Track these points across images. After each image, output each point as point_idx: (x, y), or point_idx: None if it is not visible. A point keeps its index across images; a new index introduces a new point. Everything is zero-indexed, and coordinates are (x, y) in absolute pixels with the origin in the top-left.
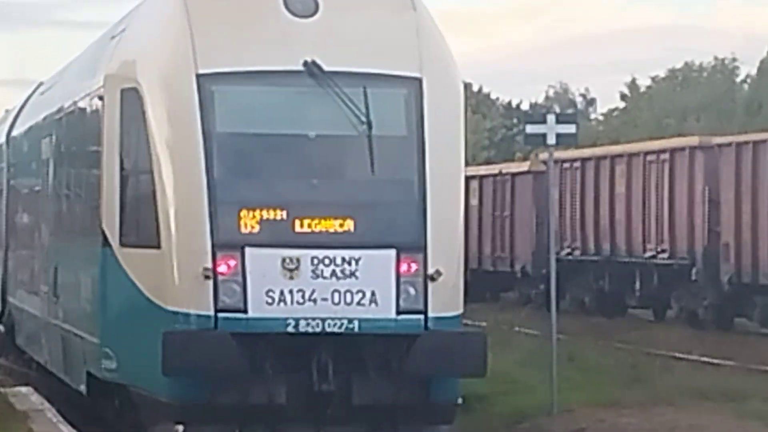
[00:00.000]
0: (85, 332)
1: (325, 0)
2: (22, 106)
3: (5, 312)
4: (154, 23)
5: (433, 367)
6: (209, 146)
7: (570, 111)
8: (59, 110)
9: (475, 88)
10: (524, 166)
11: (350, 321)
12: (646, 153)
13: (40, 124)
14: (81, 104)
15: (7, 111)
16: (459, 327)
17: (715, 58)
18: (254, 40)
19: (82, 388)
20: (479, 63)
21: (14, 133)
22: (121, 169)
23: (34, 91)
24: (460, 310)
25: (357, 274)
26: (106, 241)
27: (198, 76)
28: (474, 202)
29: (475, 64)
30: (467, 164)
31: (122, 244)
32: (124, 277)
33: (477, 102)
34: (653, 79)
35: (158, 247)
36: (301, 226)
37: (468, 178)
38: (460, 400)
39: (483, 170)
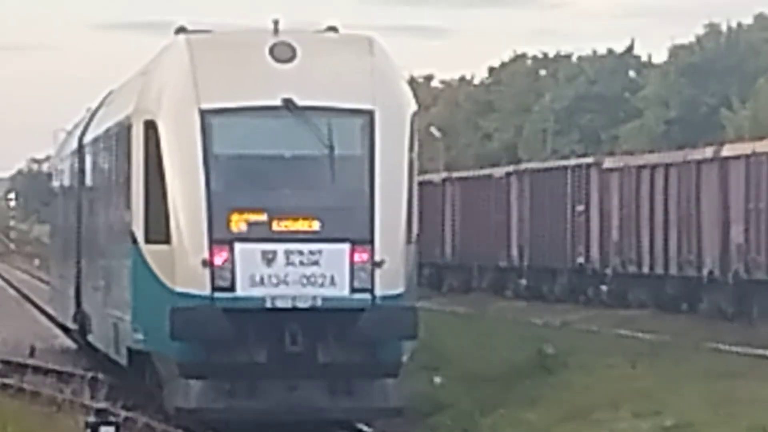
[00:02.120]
0: (125, 314)
1: (301, 49)
2: (94, 113)
3: (79, 312)
4: (167, 68)
5: (377, 333)
6: (207, 164)
7: None
8: (108, 130)
9: None
10: None
11: (314, 298)
12: None
13: (101, 137)
14: (120, 128)
15: (88, 110)
16: (400, 303)
17: None
18: (244, 82)
19: (124, 361)
20: None
21: (85, 140)
22: (146, 182)
23: (105, 98)
24: (401, 290)
25: (320, 262)
26: (134, 240)
27: (201, 110)
28: None
29: None
30: None
31: (146, 242)
32: (147, 267)
33: None
34: None
35: (169, 243)
36: (278, 225)
37: None
38: (405, 359)
39: None
